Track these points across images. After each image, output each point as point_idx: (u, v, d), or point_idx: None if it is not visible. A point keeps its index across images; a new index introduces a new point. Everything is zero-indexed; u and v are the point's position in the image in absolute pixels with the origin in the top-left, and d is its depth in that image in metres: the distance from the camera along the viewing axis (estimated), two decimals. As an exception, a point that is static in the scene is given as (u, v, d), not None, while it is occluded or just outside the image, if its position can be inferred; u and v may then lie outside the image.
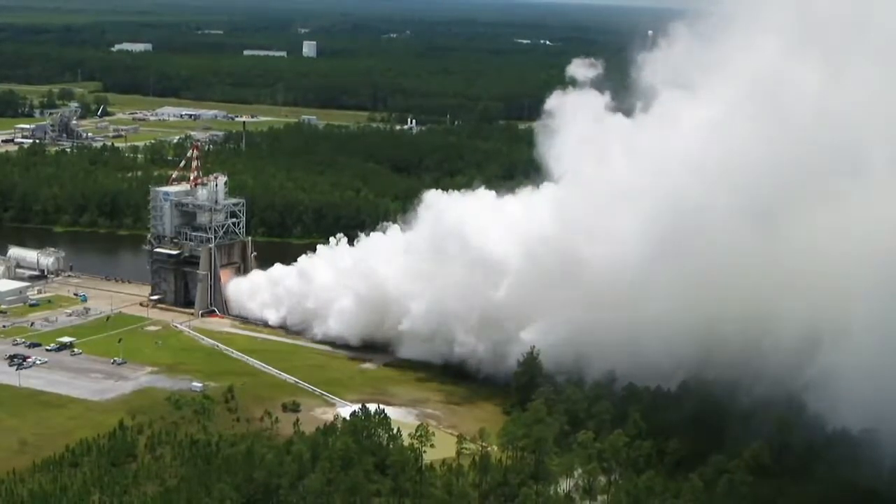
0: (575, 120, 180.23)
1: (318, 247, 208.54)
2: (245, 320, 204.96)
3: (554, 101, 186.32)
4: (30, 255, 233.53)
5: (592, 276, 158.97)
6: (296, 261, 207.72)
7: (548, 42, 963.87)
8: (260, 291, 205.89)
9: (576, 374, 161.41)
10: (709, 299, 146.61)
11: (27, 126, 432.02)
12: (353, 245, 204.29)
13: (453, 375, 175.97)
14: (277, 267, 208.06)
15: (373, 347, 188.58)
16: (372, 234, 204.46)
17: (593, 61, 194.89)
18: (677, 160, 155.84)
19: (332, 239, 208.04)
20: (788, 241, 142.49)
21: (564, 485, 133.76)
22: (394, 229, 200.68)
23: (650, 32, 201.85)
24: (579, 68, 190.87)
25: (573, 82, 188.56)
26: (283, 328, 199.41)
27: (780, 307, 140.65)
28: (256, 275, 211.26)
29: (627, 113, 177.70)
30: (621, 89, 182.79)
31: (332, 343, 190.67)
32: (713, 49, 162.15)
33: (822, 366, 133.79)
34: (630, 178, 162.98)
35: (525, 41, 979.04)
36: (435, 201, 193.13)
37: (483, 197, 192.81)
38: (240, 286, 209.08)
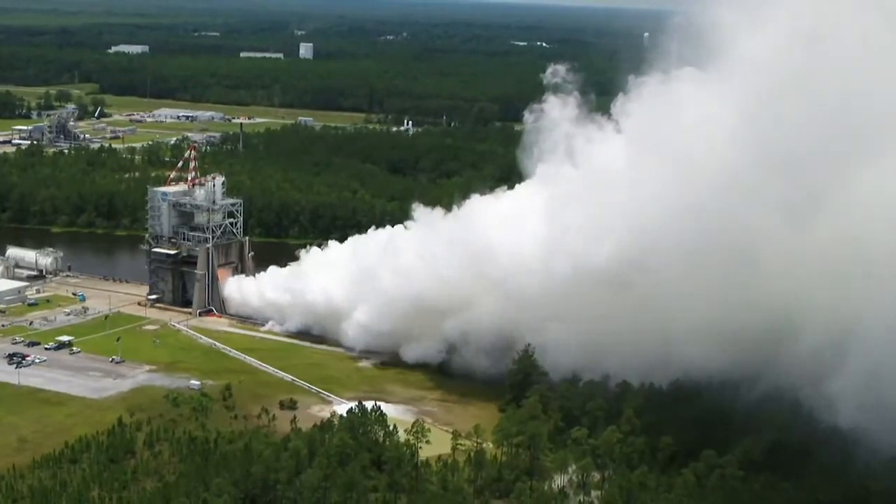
0: (561, 123, 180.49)
1: (316, 249, 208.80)
2: (242, 319, 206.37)
3: (532, 115, 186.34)
4: (28, 255, 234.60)
5: (614, 277, 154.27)
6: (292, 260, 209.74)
7: (544, 44, 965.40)
8: (268, 298, 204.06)
9: (593, 376, 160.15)
10: (736, 297, 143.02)
11: (25, 127, 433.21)
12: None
13: (449, 374, 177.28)
14: (286, 272, 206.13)
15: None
16: (375, 238, 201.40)
17: (570, 66, 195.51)
18: (687, 154, 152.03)
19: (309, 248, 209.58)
20: (818, 232, 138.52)
21: (559, 480, 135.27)
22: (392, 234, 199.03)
23: (646, 35, 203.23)
24: (556, 75, 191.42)
25: (554, 88, 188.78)
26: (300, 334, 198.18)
27: (807, 302, 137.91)
28: (262, 280, 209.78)
29: (611, 114, 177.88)
30: (616, 88, 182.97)
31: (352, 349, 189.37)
32: (722, 38, 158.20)
33: (823, 362, 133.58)
34: (645, 174, 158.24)
35: (521, 43, 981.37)
36: (430, 219, 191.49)
37: (487, 206, 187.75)
38: (243, 287, 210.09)
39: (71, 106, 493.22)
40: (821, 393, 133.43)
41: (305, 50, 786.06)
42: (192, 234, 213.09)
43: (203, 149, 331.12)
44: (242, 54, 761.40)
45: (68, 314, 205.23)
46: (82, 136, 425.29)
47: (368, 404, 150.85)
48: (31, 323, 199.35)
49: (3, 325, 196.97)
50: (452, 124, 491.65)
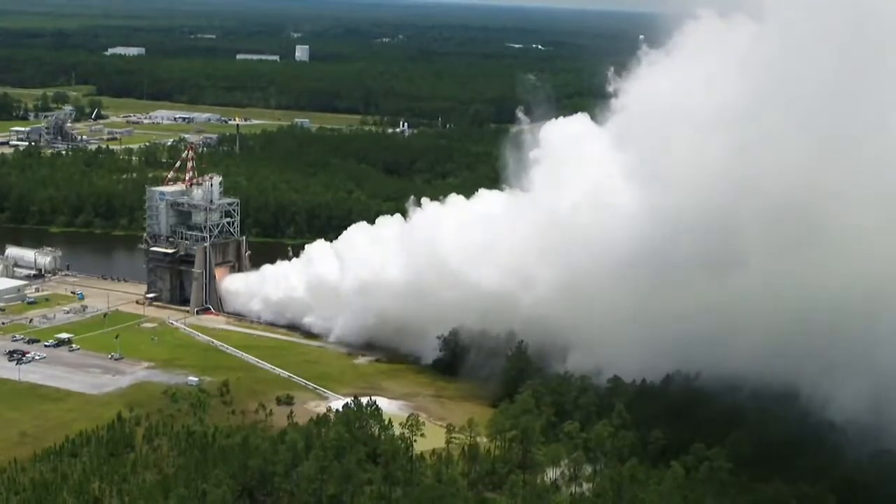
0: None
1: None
2: (240, 317, 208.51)
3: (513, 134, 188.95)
4: (27, 254, 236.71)
5: (647, 273, 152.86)
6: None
7: (539, 46, 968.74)
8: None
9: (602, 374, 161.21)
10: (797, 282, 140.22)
11: (22, 129, 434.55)
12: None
13: (444, 371, 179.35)
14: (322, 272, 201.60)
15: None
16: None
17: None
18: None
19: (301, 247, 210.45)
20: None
21: (551, 473, 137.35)
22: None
23: (642, 37, 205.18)
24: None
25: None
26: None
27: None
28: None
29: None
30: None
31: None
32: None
33: (827, 357, 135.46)
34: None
35: (516, 45, 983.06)
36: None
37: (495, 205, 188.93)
38: (234, 283, 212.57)
39: (68, 108, 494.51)
40: (822, 387, 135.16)
41: (301, 52, 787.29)
42: (189, 233, 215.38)
43: (200, 150, 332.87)
44: (239, 56, 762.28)
45: (67, 312, 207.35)
46: (79, 137, 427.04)
47: (364, 400, 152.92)
48: (30, 321, 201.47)
49: (3, 323, 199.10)
50: (448, 126, 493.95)
